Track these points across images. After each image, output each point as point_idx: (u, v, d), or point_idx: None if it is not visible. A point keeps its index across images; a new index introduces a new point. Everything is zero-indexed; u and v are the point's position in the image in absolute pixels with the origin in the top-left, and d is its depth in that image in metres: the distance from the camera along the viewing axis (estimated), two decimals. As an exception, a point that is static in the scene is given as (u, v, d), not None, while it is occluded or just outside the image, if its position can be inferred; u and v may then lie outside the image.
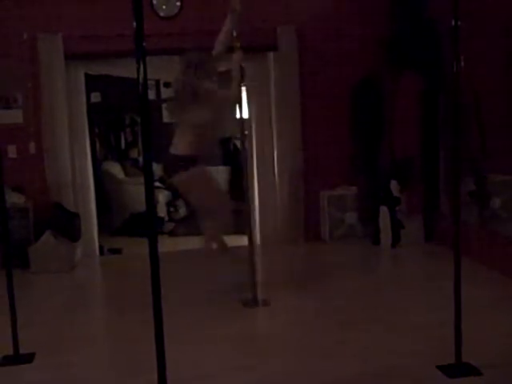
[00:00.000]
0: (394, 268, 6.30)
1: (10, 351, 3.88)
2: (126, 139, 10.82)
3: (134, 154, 10.70)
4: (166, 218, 8.95)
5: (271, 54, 6.94)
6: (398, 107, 6.61)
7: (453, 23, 3.17)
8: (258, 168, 7.09)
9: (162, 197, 8.94)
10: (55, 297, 5.56)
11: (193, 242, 7.67)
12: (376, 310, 4.62)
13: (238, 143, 10.88)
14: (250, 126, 6.98)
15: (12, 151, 6.67)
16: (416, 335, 4.03)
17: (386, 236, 6.69)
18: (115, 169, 9.32)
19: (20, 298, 4.03)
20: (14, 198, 6.30)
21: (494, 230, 5.60)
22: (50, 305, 5.27)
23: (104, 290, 6.20)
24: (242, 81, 4.97)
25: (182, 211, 9.47)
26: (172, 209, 9.21)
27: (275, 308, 4.84)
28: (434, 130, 6.51)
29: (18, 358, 3.85)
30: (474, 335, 3.68)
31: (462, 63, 3.21)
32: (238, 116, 4.99)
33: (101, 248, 7.19)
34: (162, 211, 8.77)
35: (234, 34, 4.81)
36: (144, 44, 2.37)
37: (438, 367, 3.43)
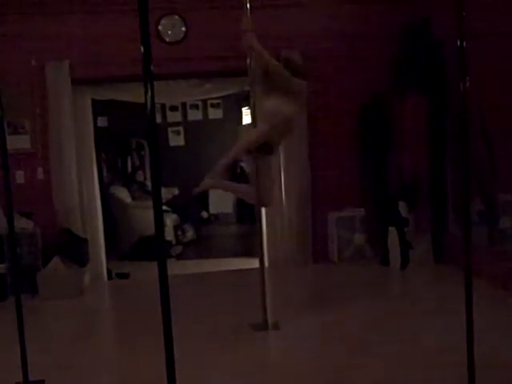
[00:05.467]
0: (404, 290, 6.25)
1: (20, 378, 3.85)
2: (132, 163, 10.87)
3: (140, 177, 10.74)
4: (174, 242, 8.95)
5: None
6: (405, 128, 6.62)
7: (458, 43, 3.18)
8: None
9: (170, 220, 8.94)
10: (64, 323, 5.54)
11: (201, 266, 7.71)
12: (387, 334, 4.57)
13: (245, 166, 10.91)
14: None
15: (20, 177, 6.70)
16: (428, 360, 3.98)
17: (394, 257, 6.66)
18: (122, 193, 9.34)
19: (29, 324, 4.01)
20: (22, 224, 6.31)
21: (503, 249, 5.56)
22: (59, 331, 5.26)
23: (113, 315, 6.17)
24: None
25: (190, 234, 9.47)
26: (180, 232, 9.21)
27: (285, 331, 4.80)
28: (442, 151, 6.50)
29: (28, 386, 3.83)
30: (488, 360, 3.63)
31: (468, 84, 3.21)
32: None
33: (109, 272, 7.18)
34: (169, 235, 8.77)
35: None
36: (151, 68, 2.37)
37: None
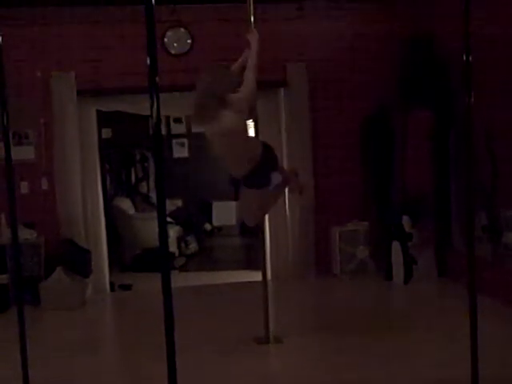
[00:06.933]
0: (407, 305, 6.22)
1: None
2: (136, 175, 10.87)
3: (143, 189, 10.74)
4: (177, 254, 8.93)
5: (281, 90, 6.98)
6: (409, 142, 6.62)
7: (464, 59, 3.18)
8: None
9: (173, 232, 8.93)
10: (66, 334, 5.52)
11: (203, 278, 7.69)
12: (390, 349, 4.55)
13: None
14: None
15: (24, 187, 6.71)
16: (431, 375, 3.96)
17: (398, 272, 6.64)
18: (126, 204, 9.34)
19: (31, 335, 3.99)
20: (25, 234, 6.31)
21: (507, 264, 5.54)
22: (61, 342, 5.23)
23: (115, 326, 6.16)
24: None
25: (193, 246, 9.45)
26: (183, 244, 9.20)
27: (287, 345, 4.79)
28: (446, 165, 6.50)
29: (28, 397, 3.80)
30: (491, 374, 3.61)
31: (473, 99, 3.21)
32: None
33: (111, 284, 7.16)
34: (172, 246, 8.75)
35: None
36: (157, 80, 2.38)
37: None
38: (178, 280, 7.28)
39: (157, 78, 2.29)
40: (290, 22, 6.92)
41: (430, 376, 3.94)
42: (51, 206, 6.76)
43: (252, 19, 4.68)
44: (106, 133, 10.04)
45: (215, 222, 11.13)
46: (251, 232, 7.62)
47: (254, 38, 4.41)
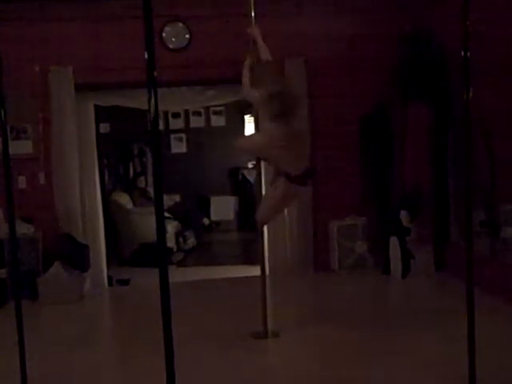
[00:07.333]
0: (405, 299, 6.22)
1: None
2: (134, 169, 10.88)
3: (141, 183, 10.75)
4: (175, 249, 8.94)
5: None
6: (408, 138, 6.62)
7: (462, 54, 3.18)
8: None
9: (171, 227, 8.93)
10: (64, 328, 5.52)
11: (202, 273, 7.70)
12: (387, 344, 4.54)
13: (246, 173, 10.92)
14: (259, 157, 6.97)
15: (21, 182, 6.70)
16: (429, 371, 3.95)
17: (396, 266, 6.65)
18: (124, 199, 9.34)
19: (28, 330, 3.99)
20: (23, 229, 6.31)
21: (505, 259, 5.55)
22: (59, 336, 5.23)
23: (113, 321, 6.16)
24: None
25: (191, 241, 9.46)
26: (181, 239, 9.20)
27: (285, 340, 4.79)
28: (444, 161, 6.50)
29: (26, 391, 3.80)
30: (489, 370, 3.60)
31: (471, 94, 3.20)
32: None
33: (109, 279, 7.16)
34: (170, 241, 8.76)
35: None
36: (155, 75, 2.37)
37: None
38: (176, 275, 7.29)
39: (155, 73, 2.28)
40: (289, 19, 6.90)
41: (428, 372, 3.94)
42: (49, 200, 6.75)
43: (253, 14, 4.66)
44: (104, 127, 10.05)
45: (213, 217, 11.15)
46: (250, 227, 7.64)
47: (256, 34, 4.42)
